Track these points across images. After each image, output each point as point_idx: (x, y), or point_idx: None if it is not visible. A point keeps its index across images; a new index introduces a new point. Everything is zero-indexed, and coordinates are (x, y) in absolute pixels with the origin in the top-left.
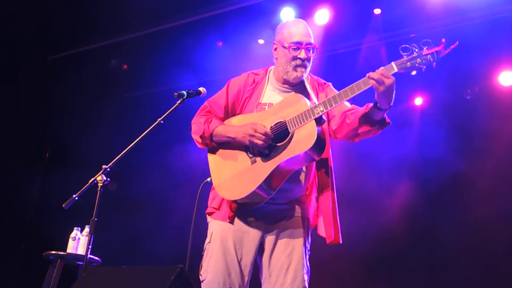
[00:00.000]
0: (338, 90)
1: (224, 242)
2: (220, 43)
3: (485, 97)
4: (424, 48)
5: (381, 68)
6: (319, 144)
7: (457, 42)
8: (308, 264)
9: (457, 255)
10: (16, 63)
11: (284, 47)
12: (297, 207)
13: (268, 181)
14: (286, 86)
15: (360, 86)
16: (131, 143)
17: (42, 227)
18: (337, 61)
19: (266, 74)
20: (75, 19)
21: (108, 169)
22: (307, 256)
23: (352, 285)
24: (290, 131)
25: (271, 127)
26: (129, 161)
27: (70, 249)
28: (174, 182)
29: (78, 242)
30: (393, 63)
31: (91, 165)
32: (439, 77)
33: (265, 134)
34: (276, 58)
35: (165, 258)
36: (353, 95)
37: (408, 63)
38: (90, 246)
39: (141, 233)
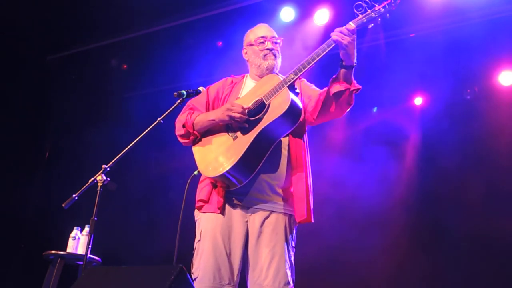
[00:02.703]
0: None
1: (213, 238)
2: (220, 43)
3: (485, 97)
4: (376, 5)
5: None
6: (294, 109)
7: None
8: (292, 260)
9: (458, 258)
10: (15, 63)
11: (251, 45)
12: (282, 202)
13: (251, 152)
14: None
15: (324, 47)
16: (131, 143)
17: (42, 227)
18: (337, 61)
19: (243, 77)
20: (75, 19)
21: (108, 169)
22: (291, 253)
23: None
24: (266, 103)
25: (249, 106)
26: (128, 160)
27: (70, 249)
28: (174, 182)
29: (78, 241)
30: (350, 22)
31: (91, 165)
32: (439, 77)
33: (242, 108)
34: (248, 60)
35: (165, 257)
36: (319, 58)
37: (364, 19)
38: (90, 246)
39: (141, 233)
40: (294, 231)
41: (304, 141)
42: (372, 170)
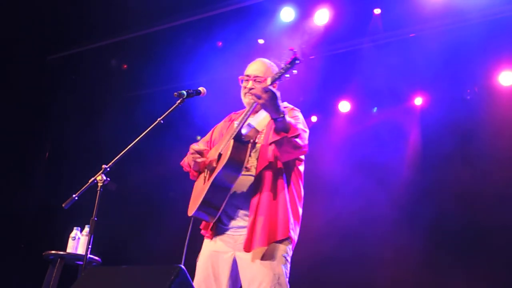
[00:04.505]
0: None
1: (204, 261)
2: (220, 43)
3: (485, 97)
4: (287, 59)
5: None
6: (233, 162)
7: (305, 51)
8: (286, 278)
9: (459, 258)
10: (15, 63)
11: (241, 80)
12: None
13: (211, 197)
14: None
15: (249, 109)
16: (131, 143)
17: (42, 227)
18: (337, 61)
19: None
20: (75, 19)
21: (108, 169)
22: (283, 271)
23: None
24: (221, 152)
25: (220, 151)
26: (129, 160)
27: (70, 249)
28: (174, 182)
29: (78, 242)
30: (268, 78)
31: (91, 165)
32: (439, 77)
33: (195, 151)
34: None
35: (165, 257)
36: (246, 116)
37: (277, 75)
38: (90, 246)
39: (141, 233)
40: (283, 254)
41: (278, 174)
42: (371, 170)
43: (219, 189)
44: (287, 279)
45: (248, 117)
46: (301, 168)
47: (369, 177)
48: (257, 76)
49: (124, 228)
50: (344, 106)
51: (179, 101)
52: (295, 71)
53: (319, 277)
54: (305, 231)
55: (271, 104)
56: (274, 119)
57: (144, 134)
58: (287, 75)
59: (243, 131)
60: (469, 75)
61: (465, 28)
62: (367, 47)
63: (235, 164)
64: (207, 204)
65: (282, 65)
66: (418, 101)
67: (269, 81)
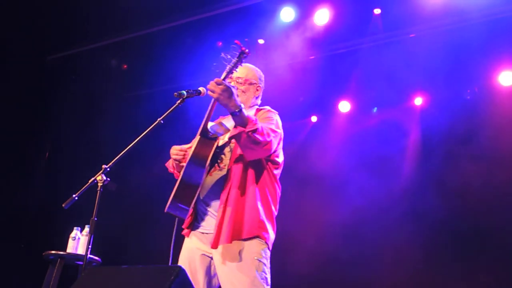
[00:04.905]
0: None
1: (183, 259)
2: (220, 43)
3: (485, 97)
4: (236, 53)
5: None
6: (199, 155)
7: (247, 41)
8: (261, 279)
9: (460, 258)
10: (15, 63)
11: None
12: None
13: (180, 193)
14: None
15: (212, 102)
16: (131, 143)
17: (42, 227)
18: (337, 61)
19: None
20: (75, 19)
21: (108, 169)
22: (256, 274)
23: None
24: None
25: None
26: (129, 160)
27: (70, 249)
28: (173, 181)
29: (78, 242)
30: (224, 72)
31: (91, 165)
32: (439, 77)
33: (178, 151)
34: None
35: (165, 257)
36: (209, 111)
37: (228, 68)
38: (90, 246)
39: (140, 233)
40: (256, 257)
41: (247, 173)
42: (371, 171)
43: (187, 185)
44: (265, 281)
45: (211, 111)
46: (277, 172)
47: (369, 177)
48: (239, 78)
49: (124, 228)
50: (344, 106)
51: (179, 101)
52: (243, 64)
53: (319, 277)
54: (305, 231)
55: (225, 98)
56: (231, 113)
57: (144, 134)
58: (237, 69)
59: (211, 129)
60: (469, 75)
61: (465, 28)
62: (367, 47)
63: (199, 158)
64: (178, 200)
65: (233, 60)
66: (418, 101)
67: (222, 76)
